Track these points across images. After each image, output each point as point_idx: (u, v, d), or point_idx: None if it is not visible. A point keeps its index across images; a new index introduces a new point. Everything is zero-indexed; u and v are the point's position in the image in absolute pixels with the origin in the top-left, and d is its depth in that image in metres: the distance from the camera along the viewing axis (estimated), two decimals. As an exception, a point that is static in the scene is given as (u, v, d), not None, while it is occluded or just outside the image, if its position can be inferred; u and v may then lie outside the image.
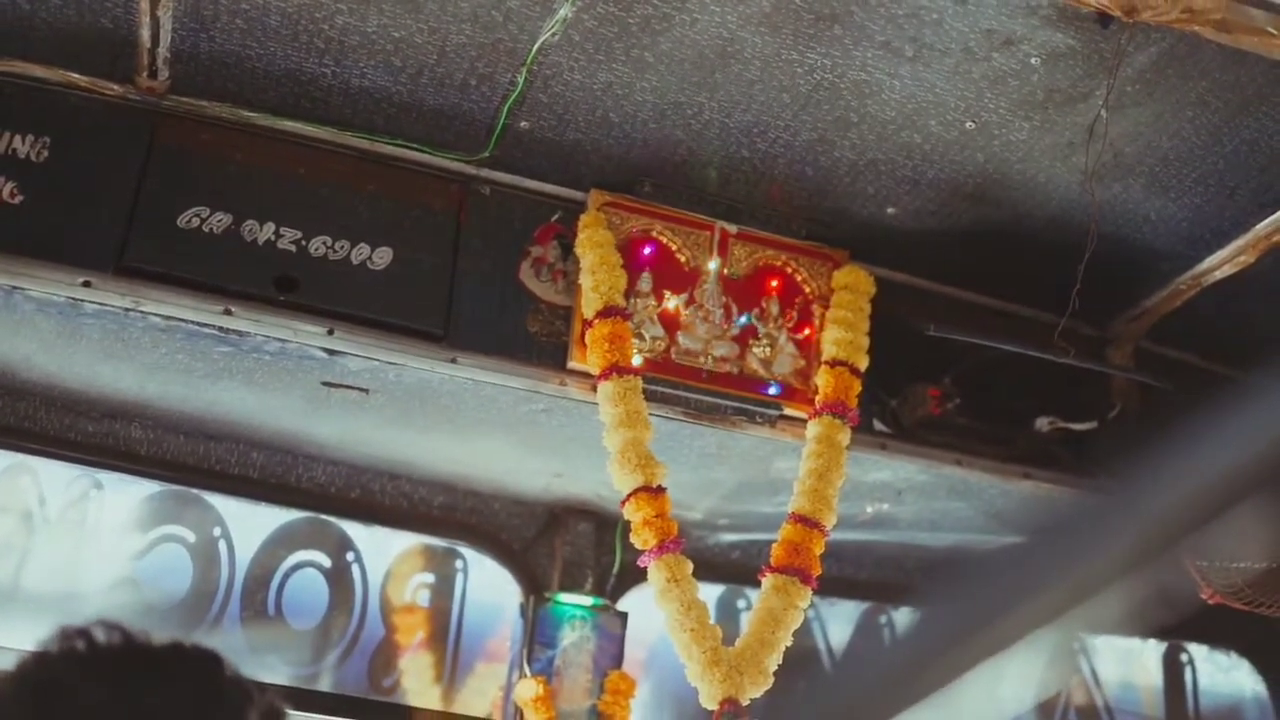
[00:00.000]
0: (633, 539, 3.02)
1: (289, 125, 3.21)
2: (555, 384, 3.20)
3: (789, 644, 3.03)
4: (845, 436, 3.24)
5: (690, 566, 3.00)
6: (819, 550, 3.13)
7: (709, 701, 2.92)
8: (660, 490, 3.01)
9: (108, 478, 3.58)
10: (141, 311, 2.96)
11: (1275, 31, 2.74)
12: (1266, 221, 3.32)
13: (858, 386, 3.30)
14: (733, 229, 3.40)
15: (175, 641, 1.45)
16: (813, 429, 3.25)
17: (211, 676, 1.43)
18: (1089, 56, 2.83)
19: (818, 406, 3.27)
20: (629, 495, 3.01)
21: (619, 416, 3.03)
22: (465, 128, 3.21)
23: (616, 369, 3.07)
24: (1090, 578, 0.95)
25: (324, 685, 3.74)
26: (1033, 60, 2.86)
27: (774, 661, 2.98)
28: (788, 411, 3.34)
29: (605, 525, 3.88)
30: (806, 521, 3.12)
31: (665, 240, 3.34)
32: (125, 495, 3.61)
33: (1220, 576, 3.52)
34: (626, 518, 3.03)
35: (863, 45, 2.84)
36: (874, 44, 2.83)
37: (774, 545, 3.14)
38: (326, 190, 3.19)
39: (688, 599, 2.95)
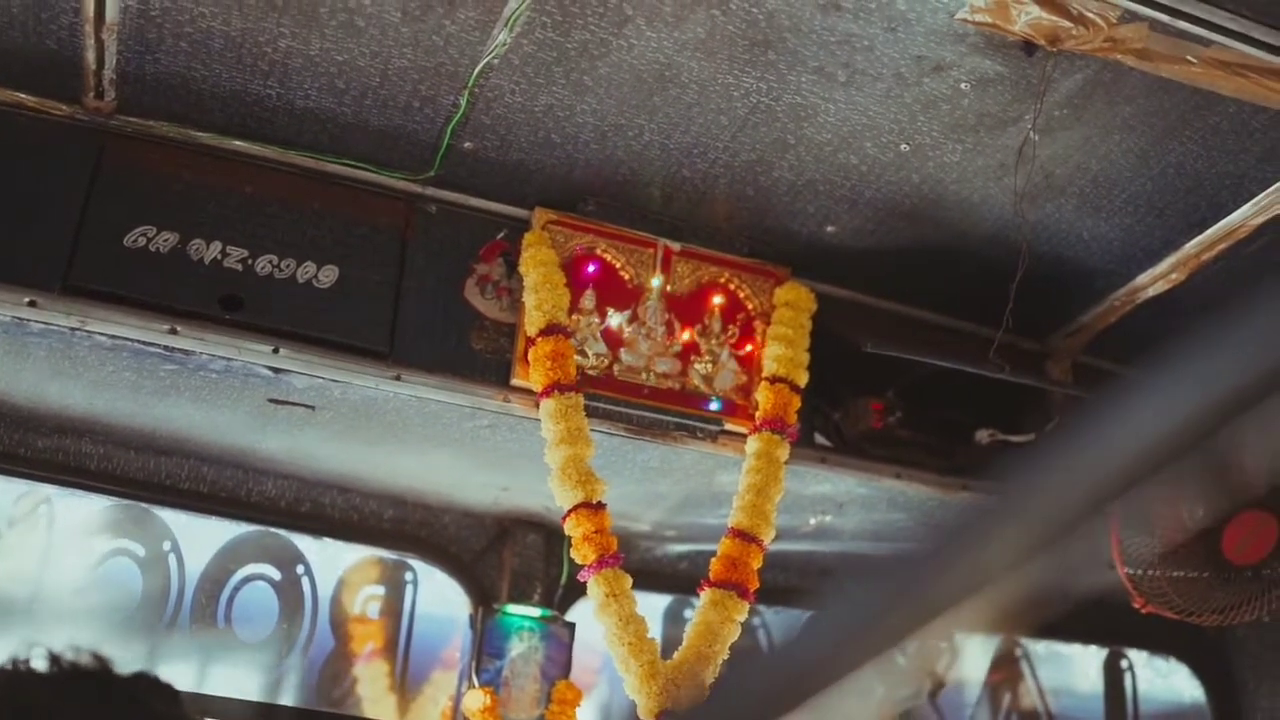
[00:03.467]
0: (573, 554, 3.08)
1: (236, 144, 3.25)
2: (499, 401, 3.25)
3: (725, 656, 3.09)
4: (784, 452, 3.30)
5: (629, 581, 3.06)
6: (757, 564, 3.19)
7: (646, 714, 2.98)
8: (600, 506, 3.07)
9: (57, 493, 3.61)
10: (87, 331, 2.99)
11: (1195, 60, 2.82)
12: (1194, 241, 3.41)
13: (797, 402, 3.36)
14: (676, 246, 3.46)
15: (141, 671, 1.48)
16: (752, 444, 3.31)
17: (178, 708, 1.47)
18: (1017, 82, 2.91)
19: (757, 422, 3.33)
20: (569, 511, 3.06)
21: (560, 433, 3.09)
22: (410, 148, 3.26)
23: (558, 386, 3.13)
24: (969, 579, 1.01)
25: (274, 697, 3.77)
26: (963, 85, 2.92)
27: (710, 674, 3.04)
28: (729, 427, 3.40)
29: (554, 537, 3.93)
30: (744, 536, 3.18)
31: (609, 258, 3.39)
32: (75, 510, 3.64)
33: (1152, 586, 3.61)
34: (567, 533, 3.09)
35: (797, 70, 2.90)
36: (808, 69, 2.89)
37: (712, 559, 3.20)
38: (273, 209, 3.23)
39: (626, 613, 3.01)
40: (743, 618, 3.13)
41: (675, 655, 3.06)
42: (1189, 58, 2.81)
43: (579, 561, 3.06)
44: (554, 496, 3.19)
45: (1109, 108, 2.98)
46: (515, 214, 3.42)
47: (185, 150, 3.21)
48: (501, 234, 3.40)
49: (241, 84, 3.07)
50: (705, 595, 3.14)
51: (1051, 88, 2.90)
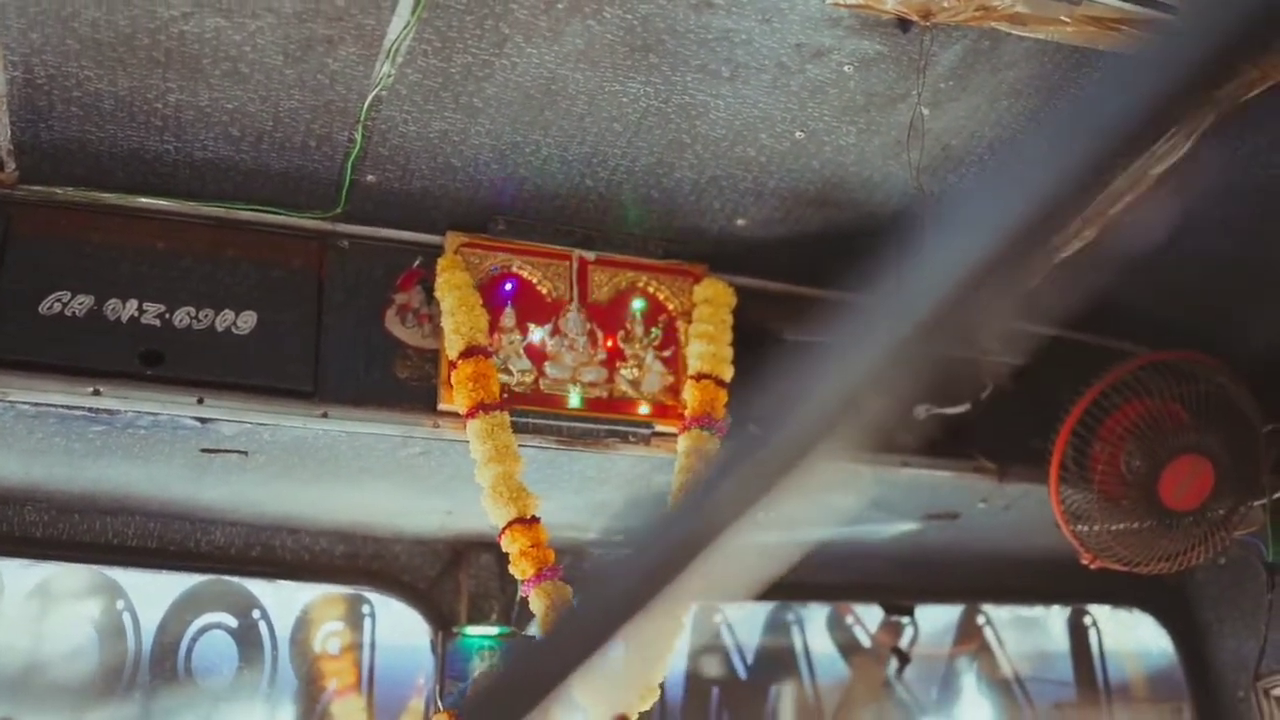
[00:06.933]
0: (511, 570, 3.10)
1: (142, 202, 3.26)
2: (428, 427, 3.27)
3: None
4: (714, 448, 3.33)
5: (570, 592, 3.08)
6: (698, 561, 3.21)
7: (598, 720, 3.01)
8: (534, 520, 3.09)
9: (5, 565, 3.62)
10: (9, 401, 3.01)
11: (1068, 19, 2.86)
12: (1101, 197, 3.45)
13: (724, 397, 3.39)
14: (590, 256, 3.49)
15: None
16: (683, 443, 3.34)
17: None
18: (898, 60, 2.94)
19: (686, 421, 3.36)
20: (504, 528, 3.09)
21: (488, 452, 3.11)
22: (315, 186, 3.28)
23: (483, 406, 3.15)
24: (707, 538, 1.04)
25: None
26: (846, 68, 2.96)
27: (660, 676, 3.07)
28: (660, 428, 3.43)
29: (506, 556, 3.95)
30: (683, 534, 3.20)
31: (525, 274, 3.42)
32: (24, 580, 3.65)
33: (1098, 541, 3.65)
34: (504, 550, 3.11)
35: (680, 70, 2.93)
36: (691, 68, 2.92)
37: (653, 561, 3.22)
38: (186, 261, 3.24)
39: (569, 623, 3.03)
40: (687, 616, 3.16)
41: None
42: (1062, 18, 2.84)
43: (518, 577, 3.08)
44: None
45: (992, 75, 3.02)
46: (428, 241, 3.44)
47: (93, 213, 3.22)
48: (417, 262, 3.42)
49: (138, 142, 3.09)
50: (649, 597, 3.16)
51: (932, 62, 2.93)
